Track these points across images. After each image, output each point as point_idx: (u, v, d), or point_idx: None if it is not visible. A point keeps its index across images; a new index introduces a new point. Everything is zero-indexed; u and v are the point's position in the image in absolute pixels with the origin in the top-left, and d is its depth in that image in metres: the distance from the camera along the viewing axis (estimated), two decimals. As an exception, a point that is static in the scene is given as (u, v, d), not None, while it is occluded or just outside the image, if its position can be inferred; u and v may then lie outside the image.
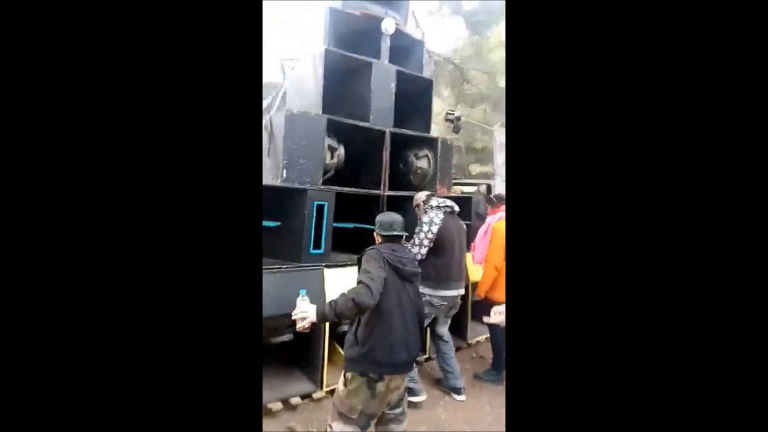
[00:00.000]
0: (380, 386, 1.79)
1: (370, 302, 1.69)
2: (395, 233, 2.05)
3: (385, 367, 1.81)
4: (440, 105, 10.97)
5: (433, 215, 2.80)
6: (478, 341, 3.98)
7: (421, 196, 3.04)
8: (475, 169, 11.74)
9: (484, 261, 3.19)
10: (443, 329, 3.02)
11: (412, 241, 2.74)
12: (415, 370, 2.72)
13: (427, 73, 4.17)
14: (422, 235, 2.74)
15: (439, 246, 2.76)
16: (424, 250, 2.73)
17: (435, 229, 2.74)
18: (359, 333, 1.84)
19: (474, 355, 3.80)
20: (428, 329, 3.14)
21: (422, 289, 2.76)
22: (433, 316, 2.87)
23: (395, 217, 2.10)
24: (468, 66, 9.99)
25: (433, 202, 2.91)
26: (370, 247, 1.96)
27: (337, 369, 2.11)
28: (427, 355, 3.51)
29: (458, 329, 3.75)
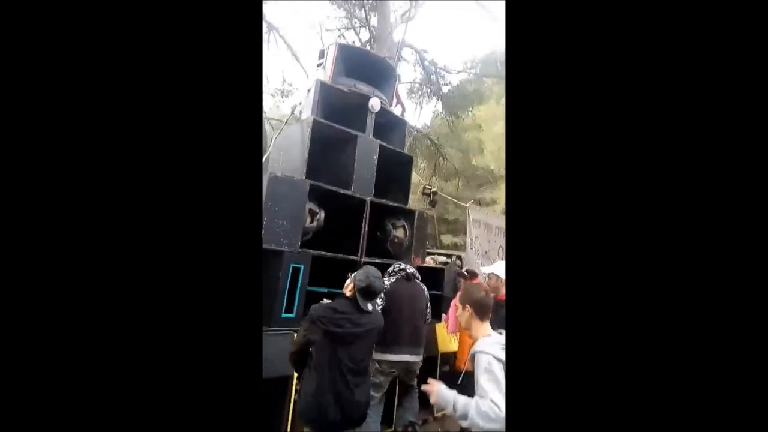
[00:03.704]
0: None
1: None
2: (365, 309, 2.08)
3: (320, 424, 1.89)
4: (416, 177, 11.48)
5: (386, 279, 2.85)
6: (444, 414, 3.84)
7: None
8: (447, 239, 12.05)
9: (458, 331, 3.20)
10: (411, 402, 2.94)
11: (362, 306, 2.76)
12: None
13: (405, 146, 4.42)
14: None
15: (387, 310, 2.76)
16: None
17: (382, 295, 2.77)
18: (301, 388, 1.98)
19: (439, 430, 3.65)
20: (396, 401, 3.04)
21: (374, 357, 2.72)
22: (385, 385, 2.79)
23: (376, 287, 2.11)
24: (443, 143, 10.65)
25: (390, 268, 3.00)
26: (312, 306, 2.05)
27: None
28: (392, 429, 3.34)
29: (425, 401, 3.63)
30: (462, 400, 1.52)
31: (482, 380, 1.47)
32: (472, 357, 1.57)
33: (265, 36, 9.33)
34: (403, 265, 2.99)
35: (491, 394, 1.42)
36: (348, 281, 2.21)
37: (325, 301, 2.30)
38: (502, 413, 1.36)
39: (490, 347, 1.54)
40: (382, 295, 2.76)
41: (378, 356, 2.69)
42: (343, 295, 2.14)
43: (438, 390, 1.60)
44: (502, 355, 1.49)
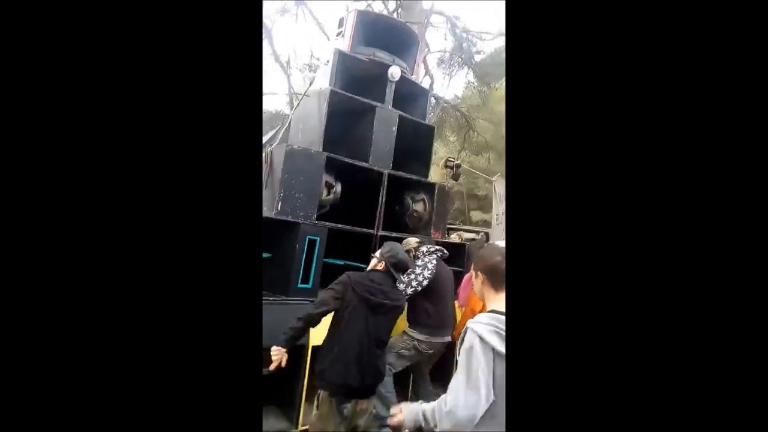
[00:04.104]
0: (348, 408, 1.94)
1: (300, 324, 1.99)
2: (399, 280, 2.21)
3: (338, 388, 1.94)
4: (444, 150, 11.20)
5: (427, 260, 2.79)
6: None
7: (411, 241, 3.04)
8: (477, 215, 11.80)
9: (466, 305, 3.16)
10: (426, 386, 2.98)
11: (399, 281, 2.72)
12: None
13: (433, 119, 4.29)
14: (413, 277, 2.71)
15: (433, 292, 2.74)
16: (410, 290, 2.69)
17: (428, 273, 2.73)
18: (321, 350, 2.03)
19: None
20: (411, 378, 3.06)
21: (413, 334, 2.70)
22: (413, 360, 2.80)
23: (406, 260, 2.22)
24: (474, 115, 10.25)
25: (424, 248, 2.92)
26: (347, 273, 2.10)
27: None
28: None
29: (443, 379, 3.64)
30: (428, 408, 1.36)
31: (459, 363, 1.27)
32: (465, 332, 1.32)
33: (293, 9, 9.21)
34: (432, 247, 2.94)
35: (454, 385, 1.24)
36: (374, 261, 2.24)
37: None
38: (449, 407, 1.21)
39: (481, 326, 1.25)
40: (423, 278, 2.71)
41: (417, 335, 2.70)
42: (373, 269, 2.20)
43: (403, 412, 1.44)
44: (492, 338, 1.20)
